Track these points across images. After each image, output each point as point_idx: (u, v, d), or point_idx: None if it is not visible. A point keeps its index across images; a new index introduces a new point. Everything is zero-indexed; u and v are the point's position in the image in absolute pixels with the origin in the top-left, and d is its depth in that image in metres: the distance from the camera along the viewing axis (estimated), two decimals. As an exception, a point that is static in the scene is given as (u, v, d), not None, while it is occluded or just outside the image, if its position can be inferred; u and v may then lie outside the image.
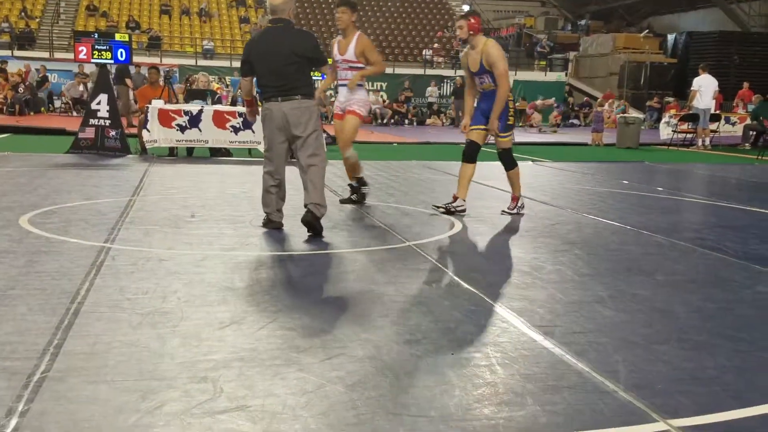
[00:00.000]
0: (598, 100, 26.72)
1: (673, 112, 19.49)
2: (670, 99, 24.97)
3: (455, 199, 6.52)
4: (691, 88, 16.67)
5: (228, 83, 24.70)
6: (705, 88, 16.25)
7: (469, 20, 6.30)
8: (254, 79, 5.56)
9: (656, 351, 3.16)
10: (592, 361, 3.01)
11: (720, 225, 6.64)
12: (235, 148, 11.61)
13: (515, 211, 6.64)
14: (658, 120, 21.73)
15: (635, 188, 9.21)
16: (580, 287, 4.24)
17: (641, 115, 21.66)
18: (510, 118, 6.43)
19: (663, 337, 3.36)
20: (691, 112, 16.91)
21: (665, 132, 17.72)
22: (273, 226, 5.58)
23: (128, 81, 18.39)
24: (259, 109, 5.71)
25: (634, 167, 12.26)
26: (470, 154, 6.52)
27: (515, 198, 6.68)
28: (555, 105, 26.76)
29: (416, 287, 4.12)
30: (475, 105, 6.61)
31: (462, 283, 4.23)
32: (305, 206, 5.35)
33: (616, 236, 5.89)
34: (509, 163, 6.58)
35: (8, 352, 2.88)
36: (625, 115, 19.23)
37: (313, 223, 5.34)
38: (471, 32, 6.28)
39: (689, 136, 17.20)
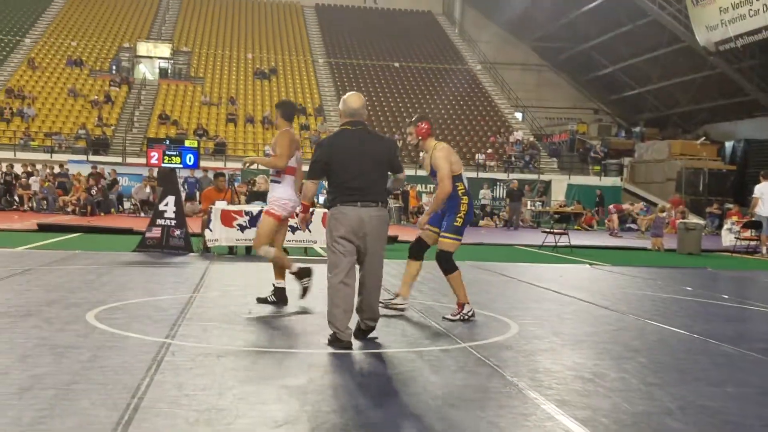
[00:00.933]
0: (659, 205, 26.46)
1: (734, 218, 19.15)
2: (731, 205, 24.58)
3: (396, 296, 6.48)
4: (753, 195, 16.43)
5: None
6: (767, 195, 15.99)
7: (417, 126, 6.33)
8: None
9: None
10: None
11: (791, 333, 6.36)
12: (292, 246, 11.84)
13: (458, 317, 6.14)
14: (719, 227, 21.36)
15: (699, 295, 8.95)
16: (646, 397, 4.08)
17: (702, 221, 21.32)
18: (459, 219, 6.18)
19: (735, 450, 3.19)
20: (753, 219, 16.59)
21: (727, 239, 17.42)
22: (342, 346, 4.93)
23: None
24: (317, 210, 5.71)
25: (697, 273, 11.95)
26: (416, 251, 6.44)
27: (460, 304, 6.21)
28: (644, 209, 26.70)
29: (472, 391, 4.04)
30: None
31: (521, 388, 4.13)
32: (359, 312, 5.15)
33: (682, 344, 5.69)
34: (446, 268, 6.20)
35: (70, 446, 2.92)
36: (686, 221, 18.95)
37: (363, 335, 5.21)
38: (420, 137, 6.33)
39: (753, 243, 16.81)
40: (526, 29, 44.13)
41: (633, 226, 27.33)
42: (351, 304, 5.00)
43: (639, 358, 5.08)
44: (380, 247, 5.10)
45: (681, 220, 18.96)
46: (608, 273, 11.37)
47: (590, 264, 12.40)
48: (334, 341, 4.95)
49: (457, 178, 6.19)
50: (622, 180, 32.53)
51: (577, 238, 17.47)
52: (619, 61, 39.49)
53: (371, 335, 5.26)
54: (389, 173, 5.32)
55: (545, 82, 45.49)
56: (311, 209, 5.76)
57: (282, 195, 6.54)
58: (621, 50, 38.60)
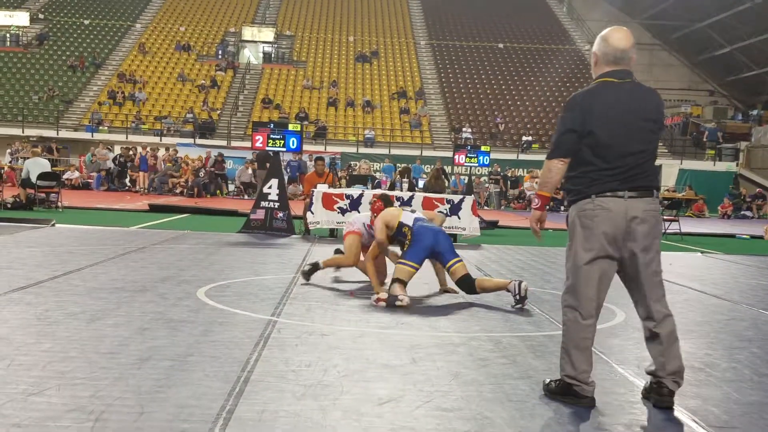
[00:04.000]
0: None
1: None
2: None
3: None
4: None
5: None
6: None
7: (374, 203, 6.81)
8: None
9: None
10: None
11: None
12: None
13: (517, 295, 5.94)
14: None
15: (821, 285, 8.41)
16: (759, 387, 3.91)
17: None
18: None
19: None
20: None
21: None
22: (585, 403, 3.43)
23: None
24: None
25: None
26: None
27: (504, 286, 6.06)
28: None
29: (577, 377, 3.97)
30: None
31: (628, 376, 4.03)
32: (652, 374, 3.52)
33: (799, 336, 5.39)
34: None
35: (186, 415, 3.08)
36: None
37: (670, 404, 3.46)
38: (374, 214, 6.70)
39: None
40: (637, 6, 42.45)
41: (748, 213, 25.96)
42: (592, 340, 3.51)
43: (752, 348, 4.87)
44: (655, 260, 3.49)
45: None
46: (720, 261, 10.86)
47: (702, 252, 11.87)
48: (567, 391, 3.48)
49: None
50: (737, 165, 30.89)
51: (689, 226, 16.76)
52: (736, 40, 37.41)
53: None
54: None
55: (658, 61, 43.71)
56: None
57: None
58: (739, 29, 36.54)
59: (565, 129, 3.47)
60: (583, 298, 3.45)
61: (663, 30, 42.54)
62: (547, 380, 3.64)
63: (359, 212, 11.37)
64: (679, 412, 3.42)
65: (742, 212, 26.07)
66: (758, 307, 6.58)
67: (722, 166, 30.16)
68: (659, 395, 3.45)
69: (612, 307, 6.17)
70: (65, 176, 22.75)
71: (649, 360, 3.57)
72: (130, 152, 24.97)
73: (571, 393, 3.45)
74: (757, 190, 28.41)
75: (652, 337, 3.49)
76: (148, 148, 25.16)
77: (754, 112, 37.45)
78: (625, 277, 3.53)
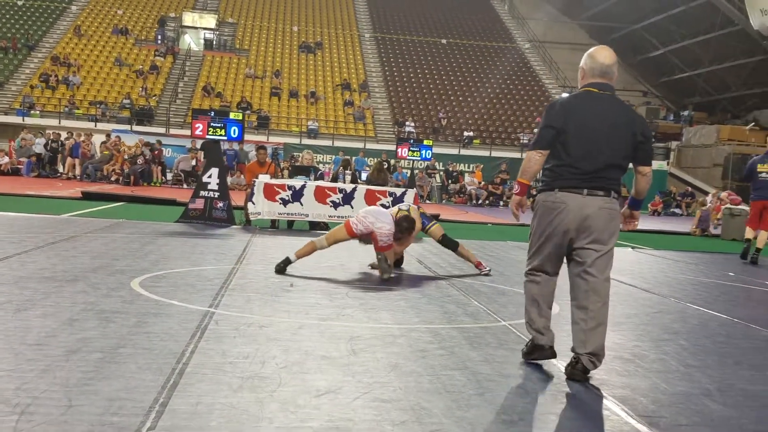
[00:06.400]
0: (700, 199, 25.85)
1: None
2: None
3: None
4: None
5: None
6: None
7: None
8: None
9: (771, 451, 2.97)
10: (700, 456, 2.85)
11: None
12: (334, 222, 11.91)
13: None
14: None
15: (742, 281, 8.78)
16: (685, 378, 4.05)
17: (747, 208, 20.86)
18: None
19: (778, 438, 3.16)
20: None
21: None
22: (542, 355, 4.06)
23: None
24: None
25: (740, 259, 11.71)
26: None
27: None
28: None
29: (512, 367, 4.05)
30: None
31: (561, 366, 4.12)
32: (574, 352, 3.90)
33: (723, 329, 5.62)
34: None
35: (117, 408, 3.00)
36: (731, 206, 18.56)
37: (580, 378, 3.85)
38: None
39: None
40: (577, 7, 43.31)
41: (677, 210, 26.87)
42: (549, 312, 4.08)
43: (679, 340, 5.04)
44: (607, 253, 3.89)
45: (726, 206, 18.55)
46: (650, 257, 11.21)
47: (632, 248, 12.23)
48: (533, 349, 4.09)
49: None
50: (668, 164, 31.94)
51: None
52: (670, 43, 38.60)
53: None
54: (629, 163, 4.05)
55: (595, 62, 44.70)
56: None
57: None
58: (673, 32, 37.70)
59: (545, 124, 3.91)
60: (541, 266, 4.03)
61: (601, 31, 43.56)
62: (523, 347, 4.25)
63: (352, 206, 11.40)
64: (608, 402, 3.52)
65: (672, 210, 26.98)
66: (685, 301, 6.82)
67: (654, 165, 31.12)
68: (573, 369, 3.84)
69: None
70: (-6, 161, 21.89)
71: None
72: (62, 137, 24.18)
73: (536, 348, 4.05)
74: (686, 188, 29.46)
75: (576, 314, 3.92)
76: (83, 135, 24.42)
77: (685, 113, 38.77)
78: (577, 254, 3.92)
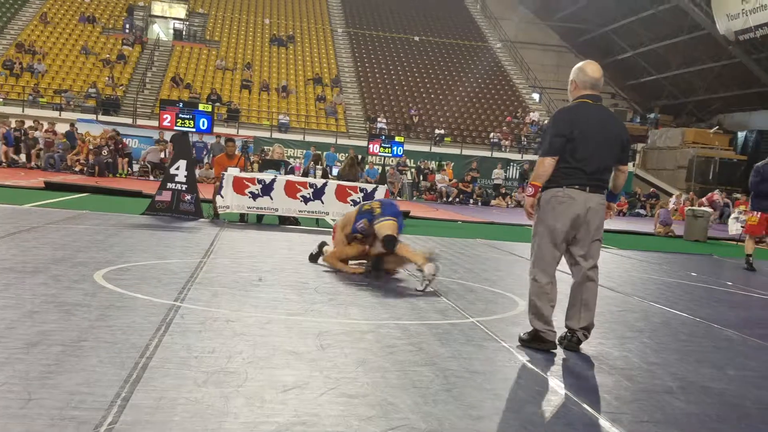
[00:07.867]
0: (673, 198, 26.26)
1: (742, 207, 19.11)
2: (739, 195, 24.50)
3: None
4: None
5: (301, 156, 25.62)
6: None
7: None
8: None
9: (731, 448, 3.02)
10: (662, 453, 2.89)
11: (798, 324, 6.36)
12: (304, 217, 11.87)
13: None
14: (727, 216, 21.37)
15: (704, 281, 8.95)
16: (648, 376, 4.11)
17: (709, 209, 21.31)
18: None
19: (738, 435, 3.21)
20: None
21: (734, 227, 17.41)
22: (547, 347, 4.49)
23: None
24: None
25: (703, 260, 11.94)
26: None
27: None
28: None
29: (479, 364, 4.07)
30: None
31: (526, 362, 4.15)
32: (568, 328, 4.59)
33: (685, 327, 5.71)
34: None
35: (77, 402, 2.94)
36: (694, 208, 18.93)
37: (575, 349, 4.54)
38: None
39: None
40: (548, 9, 43.65)
41: (641, 211, 27.27)
42: (552, 297, 4.57)
43: (642, 338, 5.12)
44: (596, 241, 4.62)
45: (689, 207, 18.92)
46: (615, 256, 11.36)
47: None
48: (537, 340, 4.51)
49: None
50: (633, 166, 32.43)
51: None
52: (638, 46, 39.10)
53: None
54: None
55: (565, 63, 45.03)
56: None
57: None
58: (641, 35, 38.20)
59: (556, 133, 4.45)
60: (547, 263, 4.56)
61: (571, 33, 43.98)
62: (521, 333, 4.63)
63: (323, 202, 11.42)
64: (573, 398, 3.55)
65: (636, 210, 27.38)
66: (649, 300, 6.92)
67: (620, 165, 31.57)
68: (570, 342, 4.54)
69: (513, 297, 6.35)
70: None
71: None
72: (25, 126, 23.67)
73: (542, 340, 4.46)
74: (651, 189, 29.93)
75: (574, 297, 4.60)
76: (46, 124, 23.93)
77: (652, 116, 39.35)
78: (576, 243, 4.55)
